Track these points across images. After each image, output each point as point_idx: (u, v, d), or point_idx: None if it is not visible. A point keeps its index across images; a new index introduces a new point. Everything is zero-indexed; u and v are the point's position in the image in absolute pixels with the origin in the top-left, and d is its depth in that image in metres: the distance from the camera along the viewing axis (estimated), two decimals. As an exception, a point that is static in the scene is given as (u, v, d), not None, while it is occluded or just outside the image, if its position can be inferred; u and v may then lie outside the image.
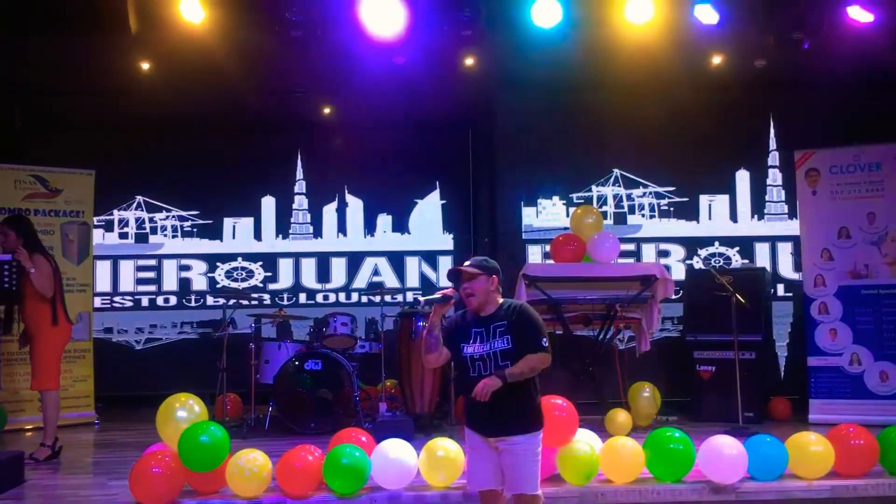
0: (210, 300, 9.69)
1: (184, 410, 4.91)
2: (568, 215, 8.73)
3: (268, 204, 9.86)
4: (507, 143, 9.28)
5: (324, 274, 9.84)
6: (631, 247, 9.14)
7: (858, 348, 7.46)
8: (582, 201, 9.13)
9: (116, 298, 9.67)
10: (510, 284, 6.90)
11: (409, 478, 4.94)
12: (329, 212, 9.91)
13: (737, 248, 9.21)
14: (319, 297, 9.80)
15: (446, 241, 9.90)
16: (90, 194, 8.42)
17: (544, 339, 3.76)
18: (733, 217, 9.25)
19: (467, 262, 3.91)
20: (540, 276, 7.14)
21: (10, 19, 7.36)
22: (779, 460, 5.06)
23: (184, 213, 9.77)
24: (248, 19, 7.34)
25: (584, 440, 5.10)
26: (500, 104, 9.28)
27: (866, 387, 7.38)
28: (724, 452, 4.96)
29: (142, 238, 9.72)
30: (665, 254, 9.21)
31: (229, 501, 4.81)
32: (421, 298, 3.91)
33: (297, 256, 9.85)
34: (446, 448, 4.93)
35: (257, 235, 9.85)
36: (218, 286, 9.68)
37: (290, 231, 9.87)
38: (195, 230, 9.77)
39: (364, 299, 9.72)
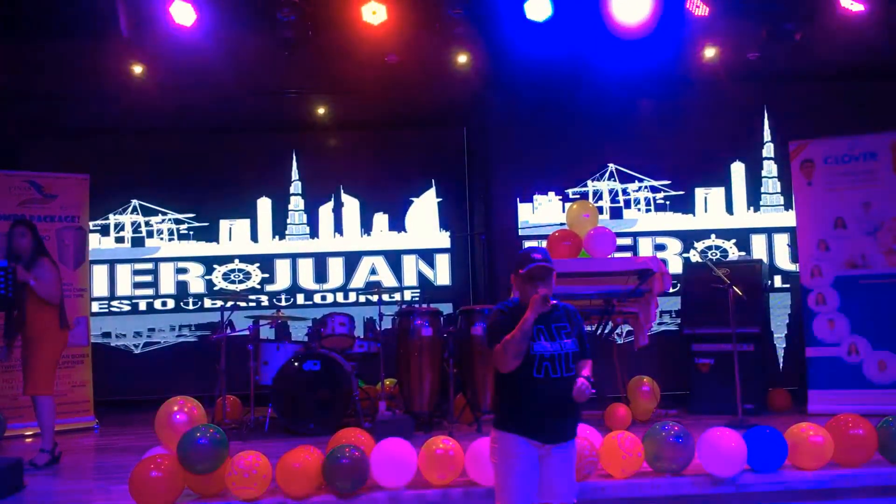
0: (208, 303, 9.69)
1: (182, 413, 4.91)
2: (564, 211, 8.72)
3: (264, 205, 9.86)
4: (502, 140, 9.29)
5: (321, 274, 9.84)
6: (627, 241, 9.14)
7: (856, 338, 7.46)
8: (577, 197, 9.13)
9: (114, 303, 9.66)
10: (507, 281, 6.89)
11: (409, 476, 4.94)
12: (325, 212, 9.91)
13: (733, 241, 9.22)
14: (317, 298, 9.80)
15: (443, 239, 9.90)
16: (85, 199, 8.40)
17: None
18: (729, 209, 9.26)
19: (539, 254, 3.68)
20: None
21: (2, 25, 7.35)
22: (778, 451, 5.06)
23: (179, 216, 9.76)
24: (240, 20, 7.33)
25: (584, 435, 5.10)
26: (493, 101, 9.29)
27: (865, 376, 7.39)
28: (723, 445, 4.96)
29: (138, 242, 9.71)
30: (661, 247, 9.22)
31: (230, 503, 4.82)
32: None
33: (293, 257, 9.85)
34: (446, 446, 4.93)
35: (254, 237, 9.84)
36: (215, 288, 9.68)
37: (287, 232, 9.87)
38: (191, 233, 9.77)
39: (362, 299, 9.72)
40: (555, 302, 3.71)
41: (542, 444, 3.57)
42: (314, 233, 9.88)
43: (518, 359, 3.50)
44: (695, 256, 9.13)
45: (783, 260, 9.18)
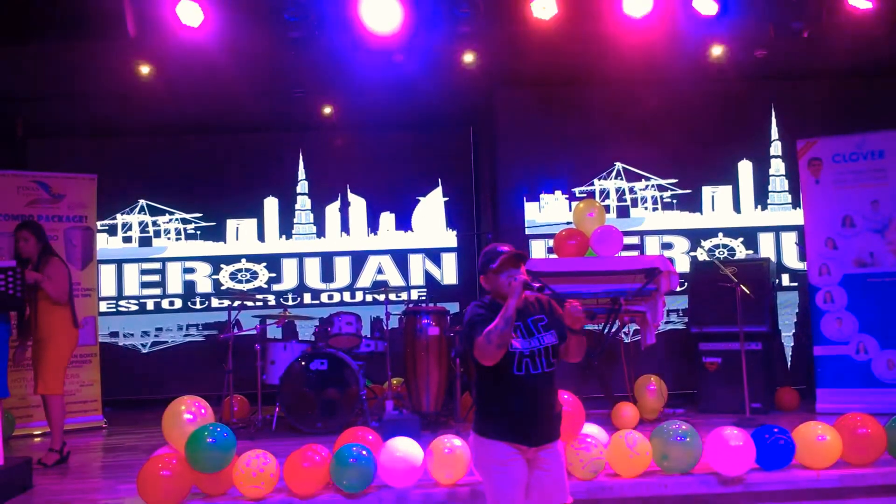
0: (215, 302, 9.71)
1: (190, 413, 4.92)
2: (570, 210, 8.71)
3: (270, 205, 9.88)
4: (508, 139, 9.28)
5: (328, 273, 9.85)
6: (634, 240, 9.11)
7: (865, 337, 7.43)
8: (584, 195, 9.11)
9: (122, 302, 9.69)
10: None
11: (417, 476, 4.94)
12: (332, 211, 9.92)
13: (741, 239, 9.19)
14: (324, 297, 9.81)
15: (450, 239, 9.91)
16: (93, 199, 8.44)
17: None
18: (736, 208, 9.23)
19: (505, 246, 3.64)
20: (543, 272, 7.14)
21: (9, 25, 7.37)
22: (786, 451, 5.05)
23: (187, 216, 9.79)
24: (246, 21, 7.33)
25: (591, 434, 5.10)
26: (500, 100, 9.27)
27: (873, 375, 7.36)
28: (731, 444, 4.95)
29: (145, 242, 9.74)
30: (668, 246, 9.19)
31: (237, 503, 4.83)
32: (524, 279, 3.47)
33: (300, 256, 9.86)
34: (453, 445, 4.93)
35: (260, 236, 9.86)
36: (222, 288, 9.71)
37: (294, 231, 9.89)
38: (198, 233, 9.79)
39: (368, 298, 9.73)
40: (528, 295, 3.57)
41: (529, 447, 3.50)
42: (321, 232, 9.90)
43: (503, 349, 3.38)
44: (702, 255, 9.11)
45: (791, 258, 9.15)
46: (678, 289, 7.59)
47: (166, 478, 4.69)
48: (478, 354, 3.44)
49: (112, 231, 9.70)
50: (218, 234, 9.82)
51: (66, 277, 6.28)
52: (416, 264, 9.88)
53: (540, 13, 7.17)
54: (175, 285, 9.76)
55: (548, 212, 9.20)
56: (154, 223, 9.77)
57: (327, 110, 9.65)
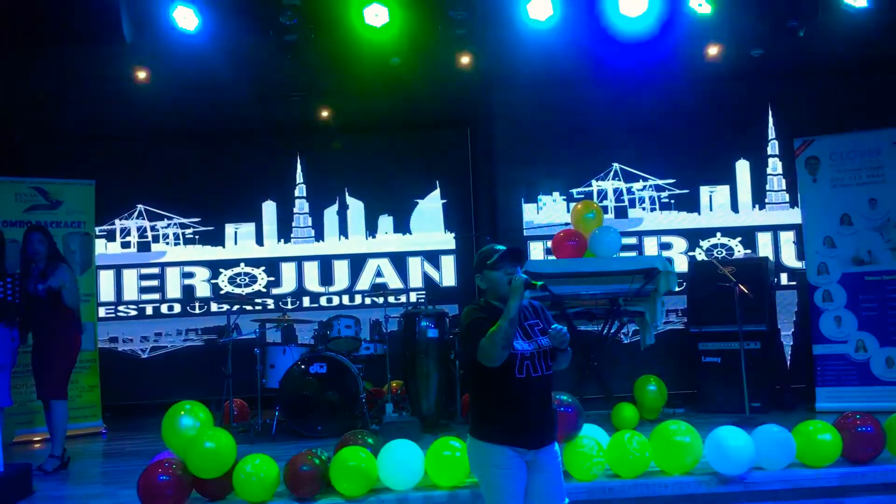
0: (214, 307, 9.71)
1: (189, 418, 4.92)
2: (568, 211, 8.71)
3: (269, 208, 9.88)
4: (506, 141, 9.28)
5: (326, 277, 9.85)
6: (632, 240, 9.12)
7: (864, 335, 7.44)
8: (582, 196, 9.11)
9: (121, 308, 9.69)
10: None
11: (417, 478, 4.94)
12: (330, 214, 9.92)
13: (739, 239, 9.19)
14: (323, 301, 9.81)
15: (448, 241, 9.90)
16: (91, 205, 8.43)
17: None
18: (734, 207, 9.23)
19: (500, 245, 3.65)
20: (542, 273, 7.14)
21: (7, 32, 7.38)
22: (786, 449, 5.05)
23: (185, 221, 9.78)
24: (242, 24, 7.35)
25: (591, 435, 5.10)
26: (497, 101, 9.27)
27: (872, 373, 7.37)
28: (731, 443, 4.95)
29: (144, 247, 9.74)
30: (667, 246, 9.19)
31: (237, 507, 4.83)
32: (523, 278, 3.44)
33: (299, 260, 9.86)
34: (453, 448, 4.93)
35: (259, 240, 9.86)
36: (221, 292, 9.70)
37: (292, 235, 9.88)
38: (197, 237, 9.79)
39: (367, 301, 9.73)
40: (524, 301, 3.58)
41: (529, 450, 3.50)
42: (319, 235, 9.89)
43: (507, 350, 3.37)
44: (700, 255, 9.11)
45: (789, 257, 9.15)
46: (677, 289, 7.59)
47: (166, 483, 4.70)
48: (482, 356, 3.43)
49: (110, 236, 9.69)
50: (216, 239, 9.82)
51: (76, 284, 6.38)
52: (415, 267, 9.88)
53: (536, 15, 7.19)
54: (174, 290, 9.76)
55: (546, 213, 9.20)
56: (152, 228, 9.76)
57: (325, 113, 9.65)
